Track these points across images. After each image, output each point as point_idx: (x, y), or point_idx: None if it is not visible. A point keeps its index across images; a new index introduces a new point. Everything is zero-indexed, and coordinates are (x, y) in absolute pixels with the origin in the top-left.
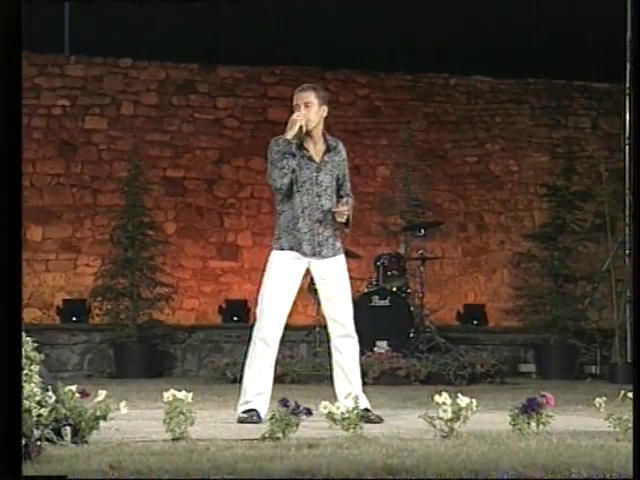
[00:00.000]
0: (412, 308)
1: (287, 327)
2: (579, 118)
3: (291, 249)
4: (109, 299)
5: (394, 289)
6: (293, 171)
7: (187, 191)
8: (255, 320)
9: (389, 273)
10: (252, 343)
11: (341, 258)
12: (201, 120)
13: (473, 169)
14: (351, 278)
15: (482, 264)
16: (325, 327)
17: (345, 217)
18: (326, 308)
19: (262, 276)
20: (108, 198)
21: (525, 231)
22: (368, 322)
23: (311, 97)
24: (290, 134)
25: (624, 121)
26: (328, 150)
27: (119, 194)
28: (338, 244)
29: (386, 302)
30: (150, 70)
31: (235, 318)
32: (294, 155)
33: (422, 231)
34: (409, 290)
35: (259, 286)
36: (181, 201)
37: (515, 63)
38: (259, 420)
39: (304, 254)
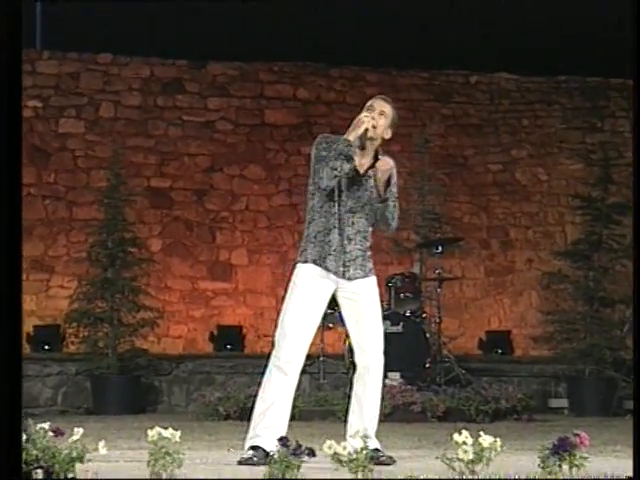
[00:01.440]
0: (428, 335)
1: None
2: (617, 120)
3: (316, 263)
4: (86, 325)
5: (408, 314)
6: (347, 177)
7: (174, 203)
8: (273, 346)
9: (402, 295)
10: (268, 372)
11: (372, 280)
12: (190, 123)
13: (497, 178)
14: None
15: (507, 285)
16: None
17: (385, 174)
18: (353, 334)
19: (285, 294)
20: (85, 211)
21: (556, 248)
22: None
23: (390, 110)
24: (353, 135)
25: None
26: (374, 165)
27: (97, 206)
28: (369, 265)
29: (399, 328)
30: (132, 67)
31: (228, 346)
32: (351, 159)
33: (439, 248)
34: (425, 315)
35: (281, 306)
36: (167, 214)
37: (544, 59)
38: (262, 462)
39: (327, 269)
